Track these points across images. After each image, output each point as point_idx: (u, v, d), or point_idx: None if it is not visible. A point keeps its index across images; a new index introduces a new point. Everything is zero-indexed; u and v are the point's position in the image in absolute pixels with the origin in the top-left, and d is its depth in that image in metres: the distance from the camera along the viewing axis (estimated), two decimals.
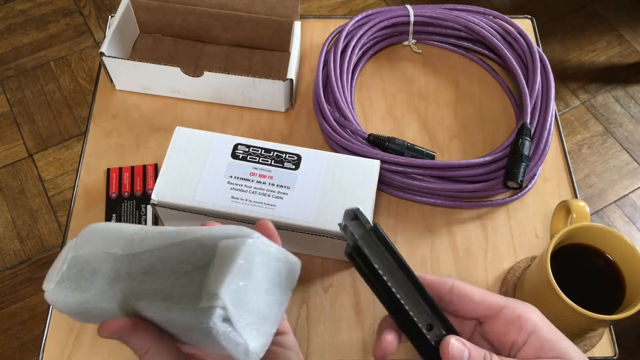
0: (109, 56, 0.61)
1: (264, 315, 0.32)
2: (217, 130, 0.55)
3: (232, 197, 0.50)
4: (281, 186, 0.51)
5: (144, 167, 0.61)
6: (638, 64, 1.62)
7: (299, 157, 0.52)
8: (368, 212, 0.50)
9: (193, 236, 0.32)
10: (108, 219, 0.57)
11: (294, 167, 0.52)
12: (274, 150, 0.53)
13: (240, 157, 0.52)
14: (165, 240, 0.33)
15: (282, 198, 0.50)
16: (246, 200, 0.50)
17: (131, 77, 0.64)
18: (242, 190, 0.51)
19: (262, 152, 0.53)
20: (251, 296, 0.30)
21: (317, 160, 0.52)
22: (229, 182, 0.51)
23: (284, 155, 0.52)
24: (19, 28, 1.63)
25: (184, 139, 0.53)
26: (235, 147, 0.53)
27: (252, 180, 0.51)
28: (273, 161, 0.52)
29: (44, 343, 0.52)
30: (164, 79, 0.63)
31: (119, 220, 0.57)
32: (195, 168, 0.52)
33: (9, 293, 1.24)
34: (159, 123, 0.64)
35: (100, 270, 0.34)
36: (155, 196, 0.50)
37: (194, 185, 0.51)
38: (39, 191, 1.37)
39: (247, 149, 0.53)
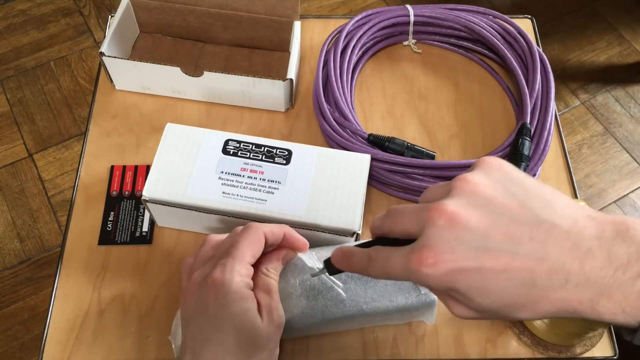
0: (109, 56, 0.61)
1: None
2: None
3: (223, 193, 0.50)
4: (272, 181, 0.51)
5: (148, 167, 0.61)
6: (638, 64, 1.62)
7: (290, 152, 0.53)
8: (359, 205, 0.50)
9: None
10: (106, 216, 0.57)
11: (284, 162, 0.52)
12: (265, 146, 0.53)
13: (231, 152, 0.52)
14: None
15: (273, 193, 0.50)
16: (237, 195, 0.50)
17: (131, 77, 0.64)
18: (233, 186, 0.51)
19: (253, 148, 0.53)
20: None
21: (307, 155, 0.53)
22: (220, 178, 0.51)
23: (274, 151, 0.53)
24: (19, 28, 1.63)
25: (175, 135, 0.53)
26: (226, 142, 0.53)
27: (243, 176, 0.51)
28: (264, 156, 0.52)
29: (44, 343, 0.52)
30: (164, 79, 0.63)
31: (116, 218, 0.57)
32: (186, 164, 0.52)
33: (9, 293, 1.24)
34: (159, 123, 0.64)
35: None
36: (146, 192, 0.50)
37: (185, 181, 0.51)
38: (39, 191, 1.37)
39: (237, 145, 0.53)
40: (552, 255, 0.30)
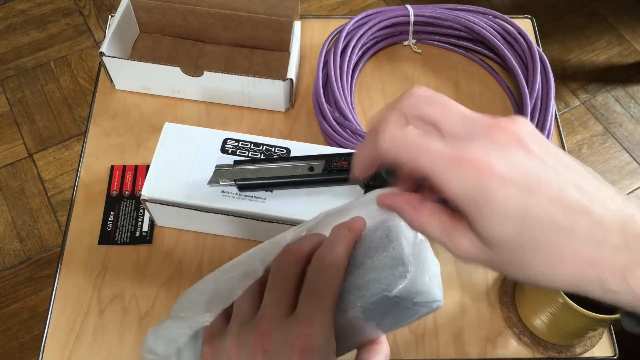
0: (109, 56, 0.61)
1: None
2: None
3: (222, 192, 0.50)
4: None
5: (148, 167, 0.61)
6: (638, 64, 1.62)
7: (288, 151, 0.53)
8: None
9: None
10: (106, 216, 0.57)
11: None
12: (263, 144, 0.53)
13: (230, 151, 0.53)
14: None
15: (271, 191, 0.50)
16: (236, 194, 0.50)
17: (131, 77, 0.64)
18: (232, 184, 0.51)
19: (252, 147, 0.53)
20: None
21: (305, 153, 0.53)
22: None
23: (273, 149, 0.53)
24: (19, 28, 1.63)
25: (173, 134, 0.53)
26: (225, 141, 0.53)
27: None
28: (262, 155, 0.52)
29: (44, 343, 0.52)
30: (164, 79, 0.63)
31: (116, 218, 0.57)
32: (184, 163, 0.52)
33: (9, 293, 1.24)
34: (159, 123, 0.64)
35: None
36: (145, 192, 0.50)
37: (184, 180, 0.51)
38: (39, 191, 1.37)
39: (236, 144, 0.53)
40: (597, 210, 0.25)
